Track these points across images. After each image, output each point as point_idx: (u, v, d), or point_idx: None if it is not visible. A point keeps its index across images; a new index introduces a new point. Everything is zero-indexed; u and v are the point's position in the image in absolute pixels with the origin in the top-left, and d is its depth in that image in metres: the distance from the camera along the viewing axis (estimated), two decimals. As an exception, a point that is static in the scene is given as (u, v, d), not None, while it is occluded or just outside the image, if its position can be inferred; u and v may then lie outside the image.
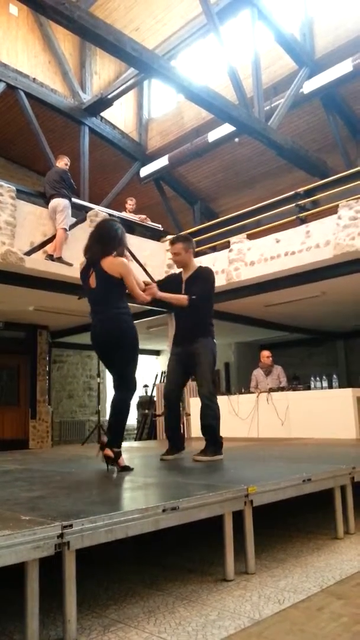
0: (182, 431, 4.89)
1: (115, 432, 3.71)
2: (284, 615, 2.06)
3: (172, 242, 4.59)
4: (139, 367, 3.93)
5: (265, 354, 8.80)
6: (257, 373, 8.82)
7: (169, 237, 10.29)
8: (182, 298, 4.32)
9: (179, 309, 4.42)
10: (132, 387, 3.78)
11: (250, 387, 8.76)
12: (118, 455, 3.60)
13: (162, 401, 5.87)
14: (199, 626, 1.96)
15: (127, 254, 4.67)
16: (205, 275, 4.49)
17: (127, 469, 3.62)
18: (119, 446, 3.67)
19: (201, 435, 4.54)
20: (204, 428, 4.38)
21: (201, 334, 4.36)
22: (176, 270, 4.97)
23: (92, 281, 3.77)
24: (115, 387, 3.77)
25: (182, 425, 4.90)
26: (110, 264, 3.68)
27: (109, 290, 3.72)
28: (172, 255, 4.58)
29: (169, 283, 4.58)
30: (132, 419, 13.52)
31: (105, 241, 3.76)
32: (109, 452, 3.56)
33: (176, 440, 4.55)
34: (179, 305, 4.38)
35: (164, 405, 4.71)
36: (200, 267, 4.60)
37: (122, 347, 3.71)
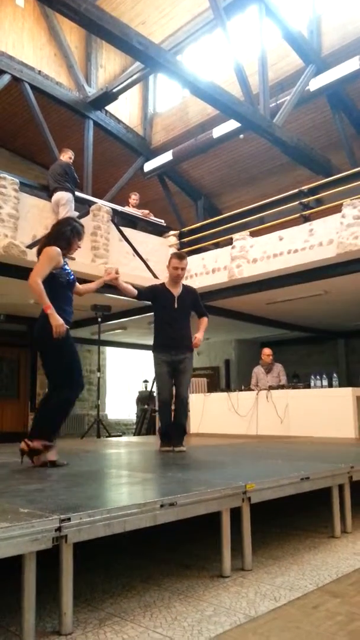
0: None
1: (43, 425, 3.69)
2: (279, 612, 2.06)
3: (183, 257, 5.02)
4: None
5: (267, 351, 8.80)
6: (258, 370, 8.83)
7: (172, 232, 10.31)
8: (205, 323, 5.10)
9: (171, 320, 4.89)
10: (65, 385, 3.70)
11: (251, 384, 8.77)
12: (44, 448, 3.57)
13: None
14: (195, 621, 1.96)
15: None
16: (199, 296, 5.17)
17: (54, 464, 3.60)
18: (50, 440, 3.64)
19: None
20: (181, 426, 5.03)
21: (190, 350, 4.95)
22: (157, 280, 5.59)
23: None
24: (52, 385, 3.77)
25: None
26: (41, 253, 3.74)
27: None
28: (180, 270, 4.92)
29: (158, 292, 4.98)
30: (132, 414, 13.55)
31: (52, 232, 3.89)
32: (24, 445, 3.58)
33: (172, 434, 5.04)
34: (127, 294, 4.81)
35: (159, 405, 5.27)
36: (187, 285, 5.14)
37: (40, 348, 3.76)
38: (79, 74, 11.51)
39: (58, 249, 3.69)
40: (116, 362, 16.31)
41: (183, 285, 5.06)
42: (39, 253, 3.74)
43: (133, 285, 4.81)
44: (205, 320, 5.09)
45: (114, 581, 2.42)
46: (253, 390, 8.33)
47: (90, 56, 12.14)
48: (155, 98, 13.43)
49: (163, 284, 5.08)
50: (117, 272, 4.37)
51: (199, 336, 4.89)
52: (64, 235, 3.80)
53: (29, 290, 3.59)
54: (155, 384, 5.62)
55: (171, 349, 4.86)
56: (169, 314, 4.89)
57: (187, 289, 5.07)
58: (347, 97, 10.19)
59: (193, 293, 5.09)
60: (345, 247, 7.34)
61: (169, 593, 2.26)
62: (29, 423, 11.30)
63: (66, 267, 3.79)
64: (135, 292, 4.76)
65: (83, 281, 4.12)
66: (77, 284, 3.95)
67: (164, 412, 5.08)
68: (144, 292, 4.95)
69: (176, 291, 4.95)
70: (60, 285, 3.70)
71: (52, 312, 3.52)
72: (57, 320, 3.52)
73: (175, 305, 4.88)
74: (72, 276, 3.84)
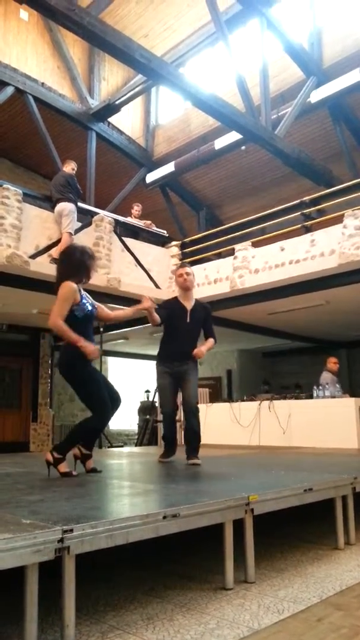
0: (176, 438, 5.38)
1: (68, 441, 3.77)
2: (283, 625, 2.05)
3: (185, 265, 5.13)
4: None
5: (333, 359, 8.70)
6: (330, 378, 8.46)
7: (174, 243, 10.34)
8: (211, 343, 4.93)
9: (183, 333, 4.80)
10: (95, 413, 3.77)
11: (331, 393, 8.35)
12: (59, 461, 3.64)
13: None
14: (198, 634, 1.95)
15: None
16: (208, 309, 5.05)
17: (67, 474, 3.65)
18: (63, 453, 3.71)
19: (202, 443, 4.88)
20: (195, 434, 4.81)
21: (194, 360, 4.84)
22: (159, 290, 5.46)
23: None
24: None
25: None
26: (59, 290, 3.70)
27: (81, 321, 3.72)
28: (185, 274, 4.87)
29: (171, 307, 4.87)
30: (134, 425, 13.50)
31: (61, 269, 3.88)
32: (49, 456, 3.65)
33: (173, 445, 5.04)
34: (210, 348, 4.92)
35: (163, 418, 5.22)
36: (200, 301, 5.11)
37: (67, 378, 3.75)
38: (82, 86, 11.61)
39: (74, 286, 3.64)
40: (118, 372, 16.29)
41: (196, 300, 5.00)
42: (56, 289, 3.71)
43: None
44: (212, 341, 4.94)
45: (117, 593, 2.40)
46: (335, 397, 7.81)
47: (93, 68, 12.25)
48: (157, 110, 13.53)
49: (175, 298, 4.98)
50: (152, 300, 4.37)
51: (203, 349, 4.78)
52: (81, 263, 3.73)
53: (46, 319, 3.76)
54: (157, 395, 5.59)
55: (175, 360, 4.79)
56: (181, 327, 4.78)
57: (200, 304, 4.99)
58: (348, 108, 10.26)
59: (206, 310, 5.00)
60: (347, 257, 7.35)
61: (172, 605, 2.25)
62: (30, 433, 11.27)
63: (84, 300, 3.72)
64: (159, 320, 4.60)
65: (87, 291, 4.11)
66: (103, 309, 3.94)
67: (166, 425, 5.06)
68: (161, 315, 4.66)
69: (189, 304, 4.86)
70: (76, 320, 3.64)
71: (82, 343, 3.53)
72: (88, 348, 3.54)
73: (188, 319, 4.78)
74: (91, 308, 3.77)
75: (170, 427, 5.06)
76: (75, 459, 3.85)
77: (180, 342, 4.79)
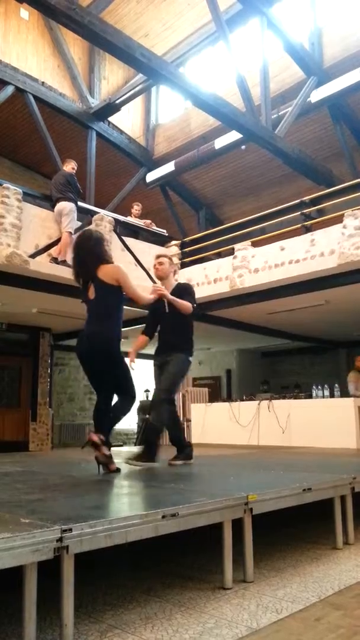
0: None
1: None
2: (281, 624, 2.05)
3: (159, 256, 4.89)
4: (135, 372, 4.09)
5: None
6: (354, 376, 8.42)
7: (174, 242, 10.34)
8: (187, 304, 4.49)
9: (164, 324, 4.64)
10: (131, 392, 3.93)
11: (353, 390, 8.26)
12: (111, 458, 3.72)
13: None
14: (196, 634, 1.95)
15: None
16: (190, 290, 4.75)
17: (118, 470, 3.74)
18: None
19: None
20: (150, 429, 4.55)
21: (178, 350, 4.58)
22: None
23: (91, 292, 3.82)
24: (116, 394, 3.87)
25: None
26: (105, 272, 3.72)
27: (107, 299, 3.79)
28: (158, 264, 4.76)
29: (155, 302, 4.64)
30: (133, 424, 13.51)
31: (97, 251, 3.88)
32: (104, 451, 3.65)
33: (156, 447, 4.53)
34: (182, 310, 4.49)
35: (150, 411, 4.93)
36: (180, 282, 4.84)
37: (108, 365, 3.80)
38: (82, 85, 11.60)
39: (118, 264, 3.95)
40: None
41: (179, 283, 4.85)
42: (94, 273, 3.81)
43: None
44: (188, 304, 4.53)
45: (115, 592, 2.41)
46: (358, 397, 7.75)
47: (94, 68, 12.24)
48: (157, 109, 13.53)
49: None
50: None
51: (168, 295, 4.45)
52: (103, 246, 3.97)
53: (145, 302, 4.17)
54: None
55: (161, 352, 4.67)
56: (163, 318, 4.64)
57: (179, 287, 4.74)
58: (349, 108, 10.25)
59: (179, 289, 4.68)
60: (346, 257, 7.35)
61: (171, 605, 2.25)
62: (30, 432, 11.27)
63: None
64: (189, 305, 4.55)
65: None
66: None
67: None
68: (149, 310, 4.74)
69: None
70: (123, 299, 3.90)
71: (166, 294, 4.31)
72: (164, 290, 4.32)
73: (167, 309, 4.55)
74: None
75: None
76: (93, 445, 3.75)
77: (163, 333, 4.71)
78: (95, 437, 3.59)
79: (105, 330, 3.78)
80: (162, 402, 4.49)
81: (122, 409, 3.91)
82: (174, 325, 4.59)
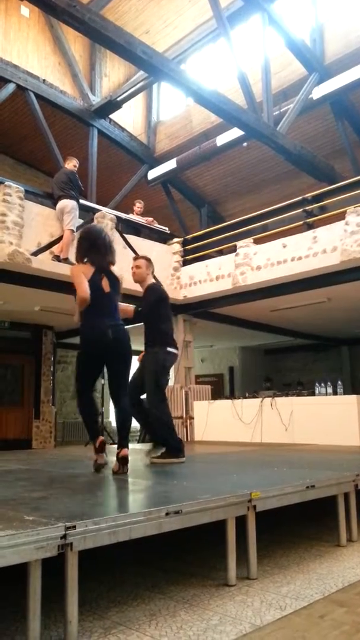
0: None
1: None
2: (285, 621, 2.05)
3: (136, 258, 4.92)
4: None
5: None
6: None
7: (176, 240, 10.33)
8: (129, 310, 4.45)
9: (143, 320, 4.66)
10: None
11: None
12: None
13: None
14: (200, 631, 1.96)
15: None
16: (148, 292, 4.71)
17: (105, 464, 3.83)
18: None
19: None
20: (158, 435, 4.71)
21: (150, 344, 4.62)
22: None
23: (106, 286, 3.78)
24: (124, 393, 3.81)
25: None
26: (114, 271, 3.83)
27: (117, 297, 3.84)
28: (135, 267, 4.78)
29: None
30: (135, 422, 13.51)
31: (112, 249, 3.97)
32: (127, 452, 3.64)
33: (175, 442, 4.67)
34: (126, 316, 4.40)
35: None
36: (148, 284, 4.80)
37: (129, 358, 3.81)
38: (83, 82, 11.59)
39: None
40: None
41: (147, 285, 4.77)
42: (109, 268, 3.89)
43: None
44: (130, 309, 4.49)
45: (119, 589, 2.41)
46: None
47: (95, 65, 12.22)
48: (159, 106, 13.51)
49: None
50: None
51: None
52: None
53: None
54: None
55: (144, 348, 4.73)
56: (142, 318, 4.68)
57: (146, 289, 4.74)
58: (351, 105, 10.22)
59: (146, 291, 4.71)
60: (349, 254, 7.34)
61: (175, 602, 2.25)
62: (33, 430, 11.28)
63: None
64: (131, 309, 4.58)
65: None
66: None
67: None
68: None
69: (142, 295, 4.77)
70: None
71: None
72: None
73: (140, 308, 4.63)
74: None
75: (136, 417, 4.76)
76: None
77: (145, 333, 4.76)
78: (127, 452, 3.63)
79: (124, 325, 3.82)
80: (155, 401, 4.57)
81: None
82: (148, 325, 4.69)
